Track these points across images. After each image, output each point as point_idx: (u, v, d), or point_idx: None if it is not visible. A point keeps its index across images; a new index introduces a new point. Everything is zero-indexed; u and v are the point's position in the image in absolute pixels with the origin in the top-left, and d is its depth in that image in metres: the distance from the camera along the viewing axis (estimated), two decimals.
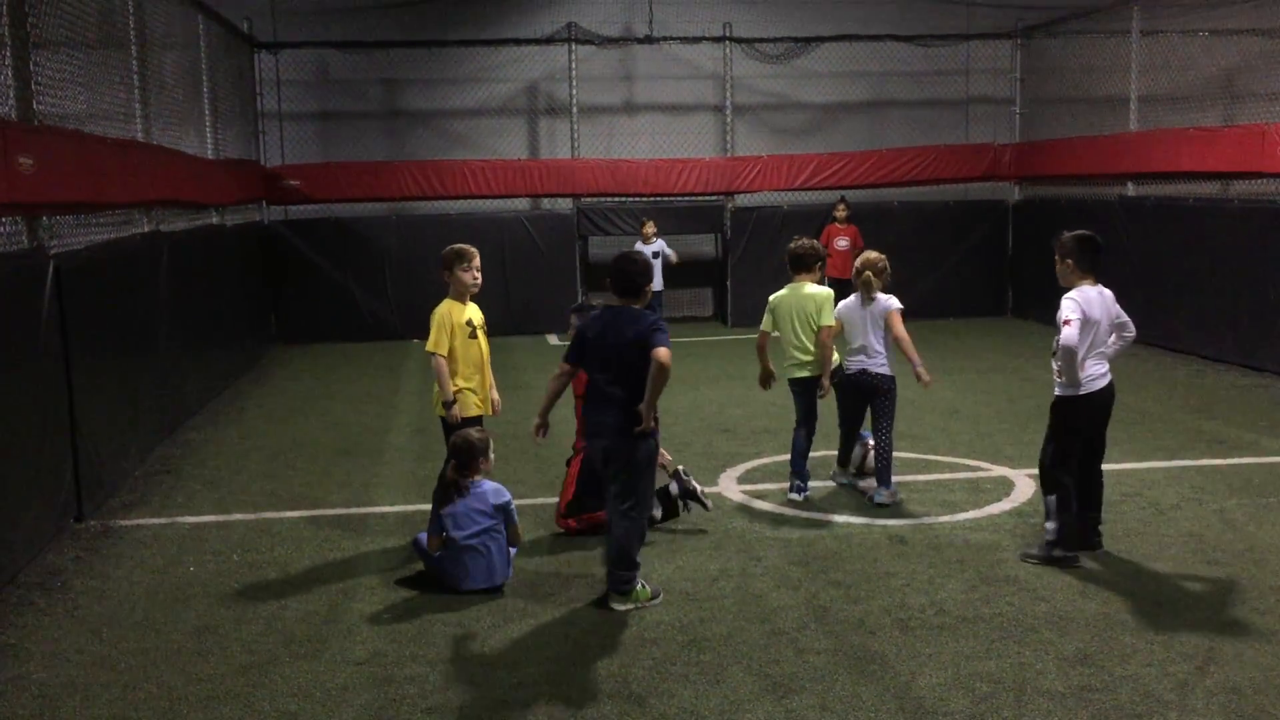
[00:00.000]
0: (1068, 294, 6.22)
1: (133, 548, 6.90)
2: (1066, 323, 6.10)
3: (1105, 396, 6.25)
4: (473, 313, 6.77)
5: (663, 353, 5.51)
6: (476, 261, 6.74)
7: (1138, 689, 4.76)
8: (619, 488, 5.80)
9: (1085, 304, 6.15)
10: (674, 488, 7.11)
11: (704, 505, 7.12)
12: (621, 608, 5.76)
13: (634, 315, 5.77)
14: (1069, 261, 6.30)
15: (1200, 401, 10.61)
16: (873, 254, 7.65)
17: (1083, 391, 6.19)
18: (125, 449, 8.41)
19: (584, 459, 6.72)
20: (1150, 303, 13.58)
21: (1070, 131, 15.95)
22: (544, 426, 6.06)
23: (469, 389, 6.69)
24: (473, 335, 6.70)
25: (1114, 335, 6.40)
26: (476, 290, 6.76)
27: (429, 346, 6.59)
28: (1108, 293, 6.32)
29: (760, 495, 7.70)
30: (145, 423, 9.01)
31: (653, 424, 5.72)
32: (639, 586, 5.83)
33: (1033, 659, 5.06)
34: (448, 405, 6.59)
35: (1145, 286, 13.72)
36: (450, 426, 6.63)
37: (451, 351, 6.62)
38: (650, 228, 15.84)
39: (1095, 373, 6.20)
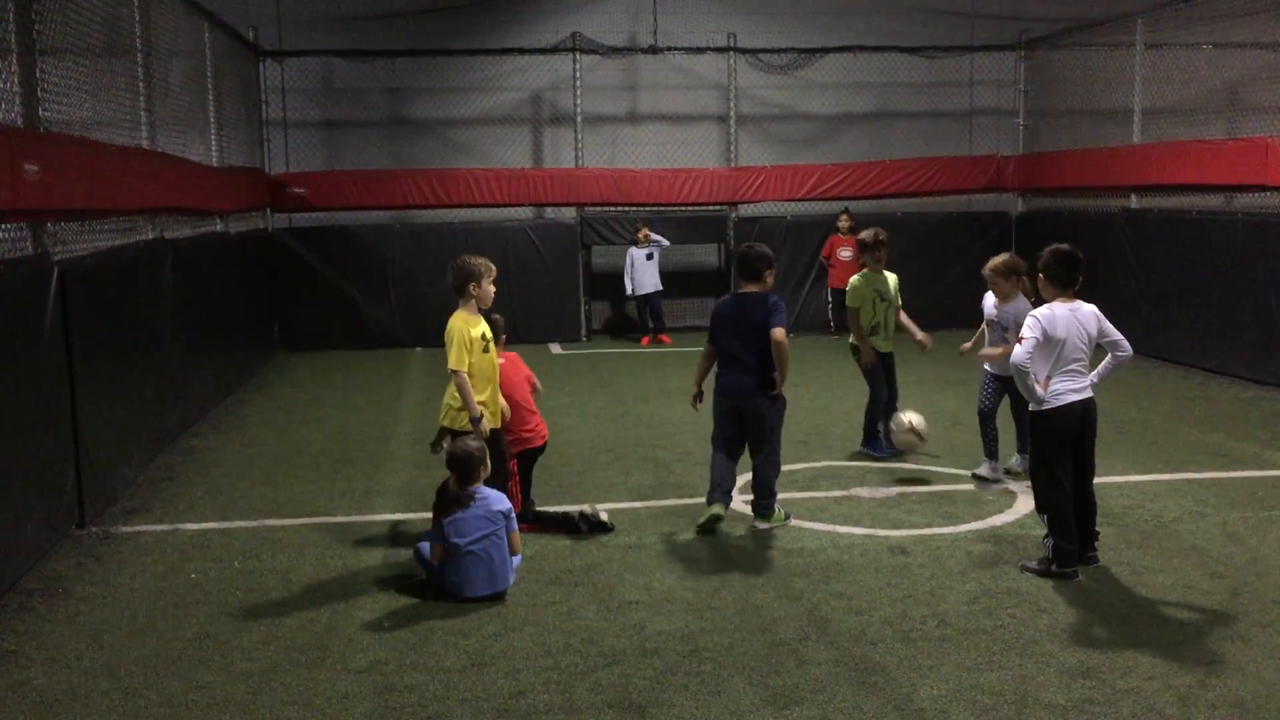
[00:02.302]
0: (1033, 311, 6.25)
1: (134, 554, 6.91)
2: (1020, 340, 6.14)
3: (1077, 412, 6.20)
4: (483, 326, 6.85)
5: (778, 332, 6.92)
6: None
7: (1140, 702, 4.75)
8: (755, 439, 7.13)
9: (1048, 322, 6.15)
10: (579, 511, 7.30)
11: (604, 526, 7.19)
12: (764, 526, 7.17)
13: (760, 299, 7.06)
14: (1042, 276, 6.33)
15: (1203, 414, 10.60)
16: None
17: (1048, 407, 6.18)
18: (127, 456, 8.42)
19: (523, 456, 7.31)
20: (1153, 315, 13.60)
21: (1074, 144, 15.97)
22: (699, 395, 7.42)
23: (480, 401, 6.69)
24: (485, 349, 6.77)
25: (1108, 356, 6.39)
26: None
27: (452, 364, 6.60)
28: (1086, 309, 6.28)
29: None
30: (148, 429, 9.02)
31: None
32: (777, 510, 7.22)
33: (1034, 671, 5.05)
34: (475, 421, 6.61)
35: (1148, 299, 13.73)
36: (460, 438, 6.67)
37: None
38: (643, 233, 15.92)
39: (1062, 389, 6.17)
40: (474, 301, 6.79)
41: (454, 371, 6.60)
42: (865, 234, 9.29)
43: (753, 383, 7.07)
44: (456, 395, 6.70)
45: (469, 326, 6.69)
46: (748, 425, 7.14)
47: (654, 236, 15.96)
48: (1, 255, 6.65)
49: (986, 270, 8.09)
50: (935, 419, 10.28)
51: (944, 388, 11.72)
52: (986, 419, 8.23)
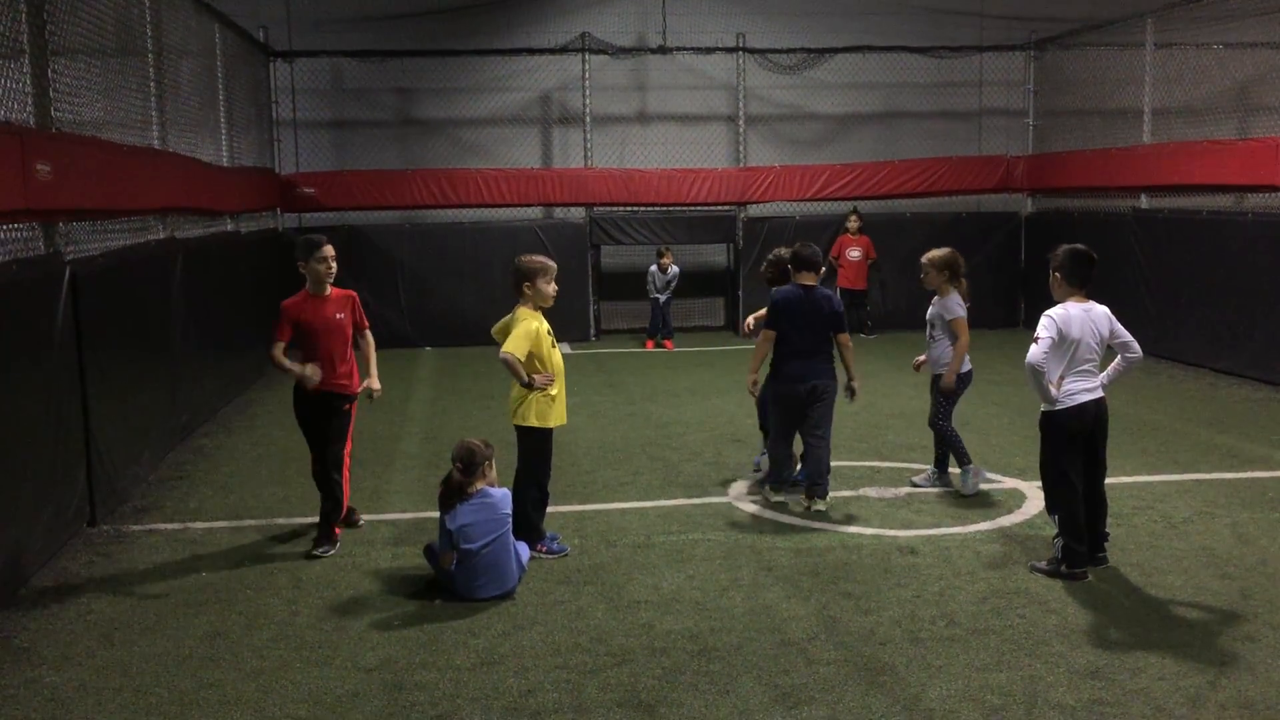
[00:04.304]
0: (1048, 311, 6.22)
1: (145, 553, 6.93)
2: (1036, 340, 6.12)
3: (1089, 412, 6.19)
4: (546, 323, 6.84)
5: (843, 336, 7.65)
6: None
7: (1149, 703, 4.75)
8: (816, 418, 7.59)
9: (1063, 322, 6.14)
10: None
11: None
12: (822, 507, 7.51)
13: (826, 296, 7.64)
14: (1057, 275, 6.30)
15: (1213, 415, 10.58)
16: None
17: (1060, 407, 6.17)
18: (138, 454, 8.45)
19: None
20: (1163, 316, 13.57)
21: (1083, 144, 15.94)
22: (757, 382, 7.89)
23: (551, 396, 6.69)
24: (553, 345, 6.78)
25: (1118, 357, 6.37)
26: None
27: (508, 348, 6.54)
28: (1099, 310, 6.27)
29: (771, 505, 7.69)
30: (158, 428, 9.05)
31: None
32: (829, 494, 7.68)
33: (1044, 671, 5.05)
34: (531, 384, 6.57)
35: (1158, 299, 13.71)
36: (527, 437, 6.70)
37: (539, 361, 6.65)
38: (668, 259, 16.06)
39: (1075, 389, 6.17)
40: (530, 300, 6.76)
41: (504, 353, 6.54)
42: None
43: (819, 367, 7.57)
44: (519, 390, 6.68)
45: (536, 320, 6.69)
46: (811, 406, 7.56)
47: (672, 268, 16.04)
48: (14, 255, 6.68)
49: (924, 259, 8.10)
50: None
51: None
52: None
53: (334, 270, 7.21)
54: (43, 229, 7.16)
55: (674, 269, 16.09)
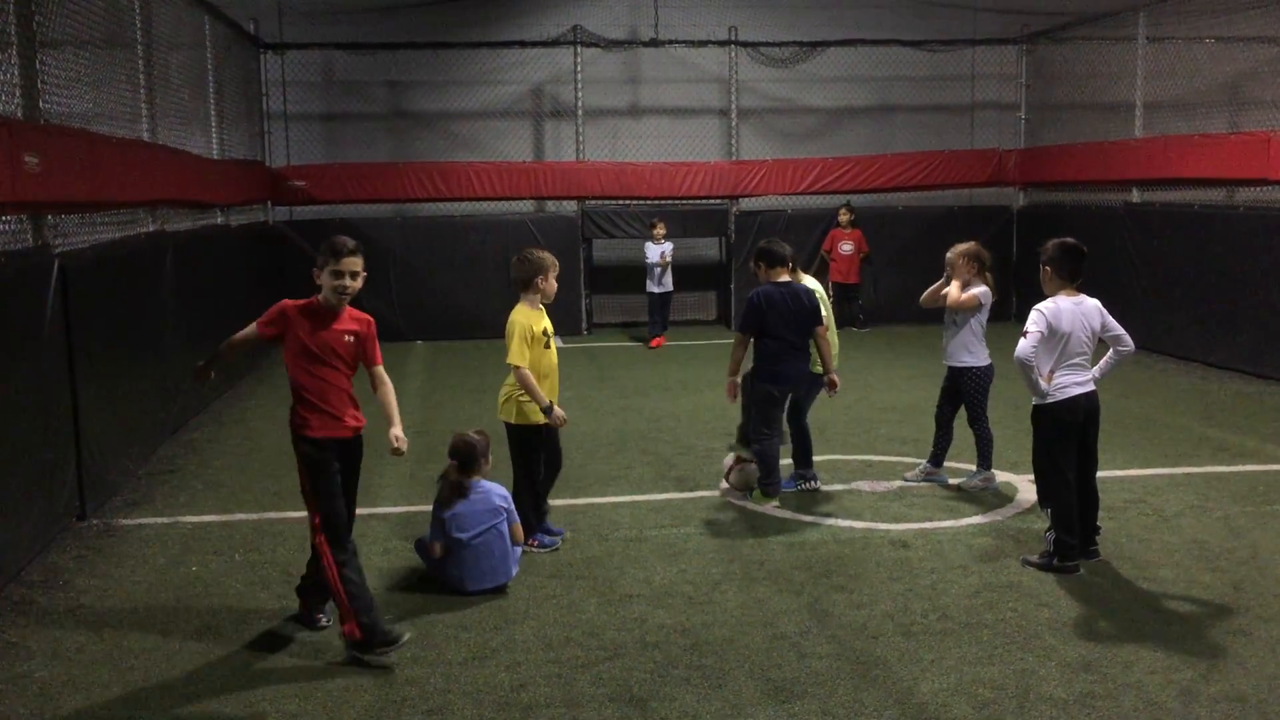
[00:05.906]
0: (1038, 305, 6.22)
1: (135, 547, 6.91)
2: (1024, 334, 6.12)
3: (1080, 406, 6.20)
4: (546, 321, 6.73)
5: (822, 329, 7.57)
6: None
7: (1141, 696, 4.75)
8: (801, 412, 7.79)
9: (1053, 315, 6.14)
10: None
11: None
12: (818, 485, 7.86)
13: (804, 290, 7.62)
14: (1048, 269, 6.31)
15: (1204, 408, 10.60)
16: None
17: (1051, 401, 6.17)
18: (128, 448, 8.41)
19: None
20: (1155, 309, 13.59)
21: (1075, 137, 15.94)
22: (737, 387, 7.77)
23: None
24: (546, 345, 6.66)
25: (1110, 350, 6.38)
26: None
27: (511, 359, 6.46)
28: (1090, 303, 6.27)
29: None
30: (148, 422, 9.01)
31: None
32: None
33: (1035, 665, 5.05)
34: (548, 410, 6.51)
35: (1150, 293, 13.72)
36: (510, 433, 6.65)
37: (535, 363, 6.57)
38: (661, 229, 15.78)
39: (1065, 382, 6.17)
40: (538, 296, 6.68)
41: (515, 367, 6.47)
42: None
43: (806, 364, 7.61)
44: (508, 386, 6.62)
45: (531, 321, 6.57)
46: (796, 401, 7.72)
47: (665, 243, 15.72)
48: (2, 247, 6.64)
49: (952, 254, 8.10)
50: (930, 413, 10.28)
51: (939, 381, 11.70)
52: (940, 421, 8.25)
53: (351, 290, 5.71)
54: (31, 221, 7.12)
55: (668, 244, 15.64)
